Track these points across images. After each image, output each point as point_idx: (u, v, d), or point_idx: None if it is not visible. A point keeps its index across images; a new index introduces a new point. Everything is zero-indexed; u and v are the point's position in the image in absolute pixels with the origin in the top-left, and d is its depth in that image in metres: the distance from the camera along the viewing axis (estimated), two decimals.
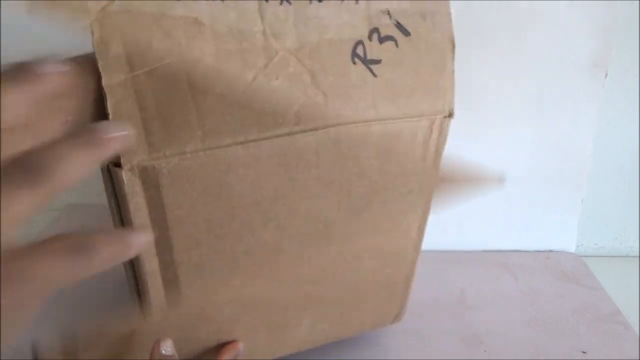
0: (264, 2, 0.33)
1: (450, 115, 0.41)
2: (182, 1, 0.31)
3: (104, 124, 0.24)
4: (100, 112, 0.30)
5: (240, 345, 0.40)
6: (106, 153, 0.24)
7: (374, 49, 0.37)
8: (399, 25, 0.37)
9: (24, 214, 0.21)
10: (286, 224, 0.38)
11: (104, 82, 0.29)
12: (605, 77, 0.62)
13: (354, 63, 0.36)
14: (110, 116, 0.30)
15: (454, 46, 0.40)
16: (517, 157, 0.65)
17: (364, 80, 0.37)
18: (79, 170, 0.23)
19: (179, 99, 0.32)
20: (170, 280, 0.36)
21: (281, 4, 0.34)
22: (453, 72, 0.40)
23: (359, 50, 0.36)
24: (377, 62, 0.37)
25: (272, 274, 0.41)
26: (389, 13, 0.37)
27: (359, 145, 0.37)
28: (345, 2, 0.36)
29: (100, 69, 0.29)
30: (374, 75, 0.37)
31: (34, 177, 0.21)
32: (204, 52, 0.32)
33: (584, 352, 0.53)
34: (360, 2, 0.36)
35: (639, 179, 0.70)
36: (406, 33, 0.38)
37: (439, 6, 0.39)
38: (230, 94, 0.33)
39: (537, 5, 0.58)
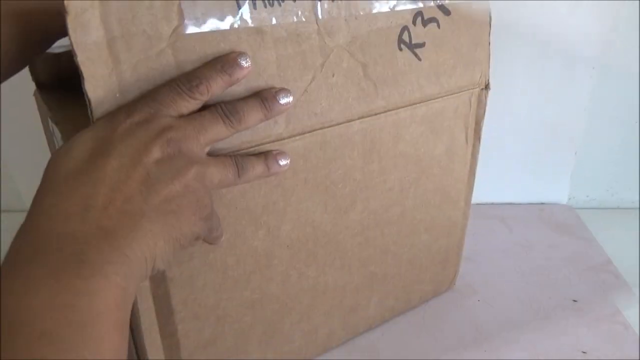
0: (319, 1, 0.35)
1: (487, 87, 0.45)
2: (245, 12, 0.32)
3: (281, 93, 0.33)
4: None
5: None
6: (274, 114, 0.33)
7: (418, 33, 0.39)
8: (440, 6, 0.40)
9: (216, 138, 0.31)
10: (275, 231, 0.38)
11: None
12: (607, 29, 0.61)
13: (400, 49, 0.39)
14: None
15: (490, 19, 0.43)
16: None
17: (410, 65, 0.40)
18: (255, 122, 0.32)
19: None
20: (162, 297, 0.35)
21: (334, 0, 0.35)
22: (489, 44, 0.44)
23: (405, 36, 0.39)
24: (422, 45, 0.40)
25: (339, 261, 0.43)
26: None
27: (346, 145, 0.39)
28: None
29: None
30: (419, 59, 0.40)
31: (230, 118, 0.31)
32: (267, 60, 0.33)
33: (574, 301, 0.55)
34: None
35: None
36: (447, 12, 0.40)
37: None
38: None
39: None
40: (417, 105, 0.41)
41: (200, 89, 0.29)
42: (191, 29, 0.30)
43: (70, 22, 0.27)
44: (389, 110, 0.40)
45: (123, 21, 0.28)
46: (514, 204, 0.72)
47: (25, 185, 0.71)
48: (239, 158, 0.32)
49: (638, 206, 0.75)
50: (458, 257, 0.55)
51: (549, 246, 0.64)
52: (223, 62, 0.31)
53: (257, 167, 0.33)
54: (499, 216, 0.70)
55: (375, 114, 0.39)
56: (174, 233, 0.27)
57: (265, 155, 0.34)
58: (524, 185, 0.72)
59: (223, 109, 0.31)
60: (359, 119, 0.38)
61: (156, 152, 0.27)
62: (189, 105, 0.29)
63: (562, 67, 0.63)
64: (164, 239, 0.27)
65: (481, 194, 0.70)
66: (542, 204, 0.73)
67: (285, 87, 0.34)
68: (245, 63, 0.31)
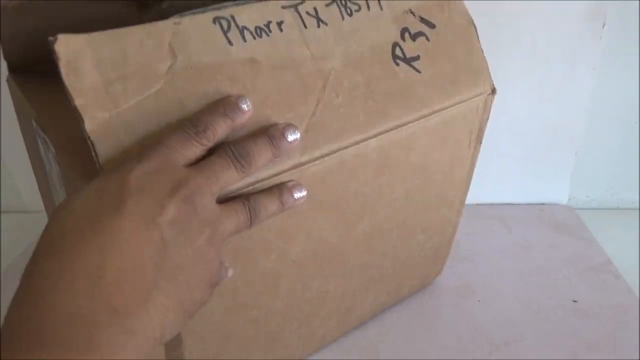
0: (304, 29, 0.35)
1: (493, 91, 0.44)
2: (236, 44, 0.32)
3: (288, 129, 0.32)
4: None
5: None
6: (282, 152, 0.32)
7: (410, 47, 0.39)
8: (423, 20, 0.40)
9: (227, 185, 0.30)
10: (286, 252, 0.38)
11: None
12: (603, 27, 0.61)
13: (397, 64, 0.39)
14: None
15: (474, 26, 0.43)
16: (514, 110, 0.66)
17: (411, 78, 0.39)
18: (264, 162, 0.31)
19: None
20: None
21: (319, 26, 0.36)
22: (481, 50, 0.43)
23: (398, 52, 0.39)
24: (417, 58, 0.40)
25: (342, 269, 0.43)
26: (411, 12, 0.40)
27: (362, 163, 0.38)
28: (372, 10, 0.38)
29: None
30: (418, 71, 0.40)
31: (240, 162, 0.30)
32: (268, 87, 0.33)
33: (574, 301, 0.55)
34: (384, 7, 0.39)
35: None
36: (431, 25, 0.41)
37: None
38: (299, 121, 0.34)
39: None
40: (429, 116, 0.40)
41: (207, 134, 0.29)
42: (186, 66, 0.30)
43: (63, 67, 0.26)
44: (403, 125, 0.39)
45: (116, 64, 0.28)
46: (513, 204, 0.72)
47: (25, 185, 0.71)
48: (251, 201, 0.31)
49: (638, 206, 0.75)
50: (448, 251, 0.55)
51: (548, 246, 0.64)
52: (225, 106, 0.30)
53: (270, 207, 0.32)
54: (498, 216, 0.70)
55: (390, 130, 0.38)
56: (185, 304, 0.26)
57: (279, 190, 0.33)
58: (524, 185, 0.72)
59: (233, 151, 0.30)
60: (375, 136, 0.37)
61: (171, 211, 0.25)
62: (196, 150, 0.29)
63: (562, 67, 0.63)
64: (174, 311, 0.25)
65: (481, 194, 0.70)
66: (542, 204, 0.73)
67: (292, 112, 0.33)
68: (245, 107, 0.31)
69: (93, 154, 0.28)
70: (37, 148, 0.41)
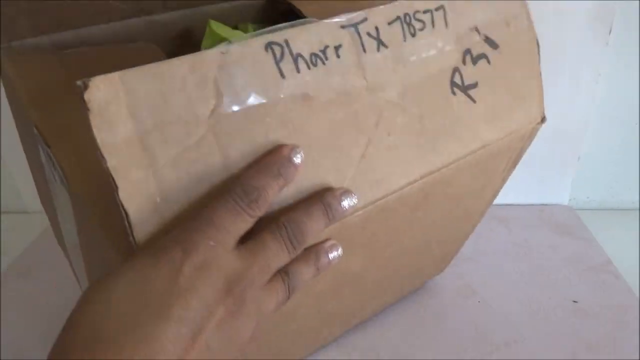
0: (363, 54, 0.31)
1: (543, 120, 0.41)
2: (289, 77, 0.28)
3: (345, 197, 0.30)
4: None
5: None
6: (336, 221, 0.30)
7: (469, 72, 0.36)
8: (487, 40, 0.37)
9: (278, 268, 0.28)
10: (310, 290, 0.36)
11: None
12: (610, 33, 0.60)
13: (454, 94, 0.36)
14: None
15: (539, 47, 0.39)
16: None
17: (465, 109, 0.36)
18: (316, 235, 0.29)
19: None
20: None
21: (378, 50, 0.32)
22: (540, 73, 0.40)
23: (457, 78, 0.36)
24: (474, 85, 0.36)
25: (358, 290, 0.43)
26: (477, 29, 0.36)
27: (402, 204, 0.36)
28: (436, 27, 0.35)
29: None
30: (474, 101, 0.36)
31: (293, 244, 0.27)
32: (319, 128, 0.30)
33: (574, 301, 0.55)
34: (449, 24, 0.35)
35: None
36: (495, 46, 0.37)
37: (518, 8, 0.38)
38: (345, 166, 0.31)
39: None
40: (477, 151, 0.38)
41: (259, 204, 0.26)
42: (232, 107, 0.27)
43: (94, 120, 0.23)
44: (450, 164, 0.36)
45: (155, 109, 0.24)
46: (514, 205, 0.72)
47: (25, 185, 0.72)
48: (290, 276, 0.28)
49: (638, 207, 0.75)
50: (455, 254, 0.55)
51: (549, 247, 0.64)
52: (278, 164, 0.27)
53: (306, 275, 0.30)
54: (499, 217, 0.70)
55: (437, 170, 0.35)
56: None
57: (316, 255, 0.30)
58: (525, 186, 0.72)
59: (287, 230, 0.27)
60: (421, 179, 0.34)
61: (220, 313, 0.24)
62: (246, 225, 0.26)
63: (568, 71, 0.63)
64: None
65: None
66: (543, 205, 0.73)
67: (342, 156, 0.31)
68: (299, 160, 0.28)
69: (126, 223, 0.25)
70: (36, 152, 0.38)
